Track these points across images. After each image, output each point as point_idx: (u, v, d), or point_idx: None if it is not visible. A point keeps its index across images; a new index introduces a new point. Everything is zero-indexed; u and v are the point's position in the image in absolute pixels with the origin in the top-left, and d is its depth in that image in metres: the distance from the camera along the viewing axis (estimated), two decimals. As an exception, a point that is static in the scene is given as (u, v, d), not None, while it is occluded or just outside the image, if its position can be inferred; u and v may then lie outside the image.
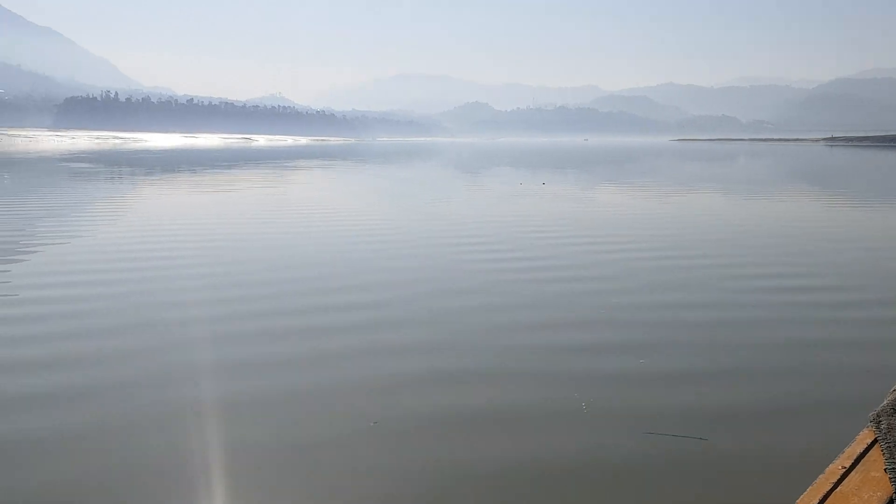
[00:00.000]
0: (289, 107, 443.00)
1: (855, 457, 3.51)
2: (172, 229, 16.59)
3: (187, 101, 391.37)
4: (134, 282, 10.74)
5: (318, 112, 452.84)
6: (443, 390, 6.60)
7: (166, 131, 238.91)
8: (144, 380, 6.74)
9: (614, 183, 37.43)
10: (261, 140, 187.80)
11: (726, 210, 23.00)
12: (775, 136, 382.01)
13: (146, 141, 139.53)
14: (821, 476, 3.34)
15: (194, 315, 8.89)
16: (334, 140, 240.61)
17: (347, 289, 10.53)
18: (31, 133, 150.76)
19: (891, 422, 3.79)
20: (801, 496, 3.20)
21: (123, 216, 19.35)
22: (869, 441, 3.67)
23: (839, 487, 3.25)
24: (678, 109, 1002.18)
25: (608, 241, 15.34)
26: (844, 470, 3.38)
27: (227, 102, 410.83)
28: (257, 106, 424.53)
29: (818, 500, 3.16)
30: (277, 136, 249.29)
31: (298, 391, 6.51)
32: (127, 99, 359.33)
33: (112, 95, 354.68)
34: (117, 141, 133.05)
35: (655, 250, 14.03)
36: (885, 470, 3.37)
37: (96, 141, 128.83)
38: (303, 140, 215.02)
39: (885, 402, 4.09)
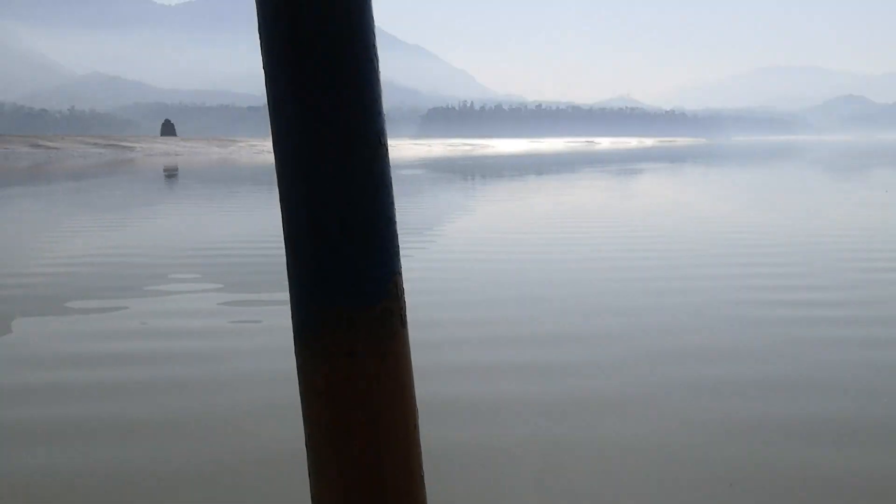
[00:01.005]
0: (636, 108, 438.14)
1: None
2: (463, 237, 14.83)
3: (535, 106, 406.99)
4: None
5: (666, 112, 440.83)
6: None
7: (514, 137, 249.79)
8: None
9: None
10: (604, 143, 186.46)
11: None
12: None
13: (493, 147, 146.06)
14: None
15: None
16: (682, 140, 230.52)
17: (551, 329, 7.38)
18: (394, 142, 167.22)
19: None
20: None
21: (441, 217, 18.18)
22: None
23: None
24: None
25: None
26: None
27: (573, 106, 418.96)
28: (603, 108, 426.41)
29: None
30: (621, 138, 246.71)
31: None
32: (481, 108, 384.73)
33: (468, 105, 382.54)
34: (467, 147, 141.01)
35: None
36: None
37: (448, 147, 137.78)
38: (648, 141, 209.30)
39: None
